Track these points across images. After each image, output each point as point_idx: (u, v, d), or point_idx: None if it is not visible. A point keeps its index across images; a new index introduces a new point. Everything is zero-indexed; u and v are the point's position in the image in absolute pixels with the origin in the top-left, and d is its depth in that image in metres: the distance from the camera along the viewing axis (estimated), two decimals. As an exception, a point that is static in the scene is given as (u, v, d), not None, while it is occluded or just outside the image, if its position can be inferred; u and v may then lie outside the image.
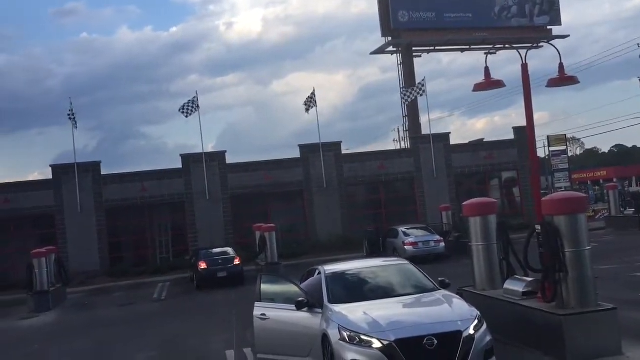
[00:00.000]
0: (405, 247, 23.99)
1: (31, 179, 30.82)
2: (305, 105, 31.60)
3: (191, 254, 26.55)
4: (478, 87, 9.94)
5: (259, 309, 8.87)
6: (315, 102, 31.74)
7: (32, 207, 28.96)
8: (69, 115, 29.70)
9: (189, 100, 30.42)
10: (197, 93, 30.67)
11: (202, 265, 22.98)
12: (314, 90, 31.87)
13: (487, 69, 9.55)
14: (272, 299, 8.88)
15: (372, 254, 25.40)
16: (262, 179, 31.17)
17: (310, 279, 9.46)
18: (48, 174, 30.41)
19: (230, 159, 31.69)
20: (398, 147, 50.53)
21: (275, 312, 8.63)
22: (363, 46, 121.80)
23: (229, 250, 24.64)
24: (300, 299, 8.30)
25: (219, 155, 31.39)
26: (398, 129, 60.40)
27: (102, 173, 30.24)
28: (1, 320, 19.04)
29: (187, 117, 30.20)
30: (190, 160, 30.88)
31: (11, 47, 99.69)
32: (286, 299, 8.61)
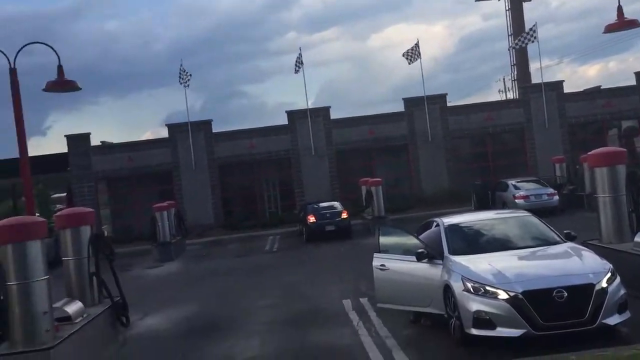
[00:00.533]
0: (516, 200, 23.30)
1: (151, 138, 32.46)
2: (408, 57, 30.99)
3: (299, 208, 27.32)
4: (610, 28, 9.27)
5: (378, 260, 9.07)
6: (419, 54, 31.06)
7: (152, 164, 30.90)
8: (180, 75, 31.02)
9: (297, 57, 30.94)
10: (300, 49, 31.12)
11: (311, 219, 23.62)
12: (417, 42, 31.18)
13: (620, 8, 8.84)
14: (391, 250, 9.04)
15: (481, 207, 24.97)
16: (366, 133, 31.23)
17: (428, 232, 9.51)
18: (159, 134, 32.23)
19: (332, 115, 31.91)
20: (504, 98, 48.61)
21: (395, 263, 8.79)
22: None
23: (337, 204, 25.09)
24: (420, 250, 8.39)
25: (324, 111, 31.71)
26: (504, 79, 57.75)
27: (213, 131, 31.55)
28: (130, 269, 20.68)
29: (296, 72, 30.82)
30: (295, 116, 31.46)
31: (121, 14, 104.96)
32: (405, 250, 8.74)
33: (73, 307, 8.70)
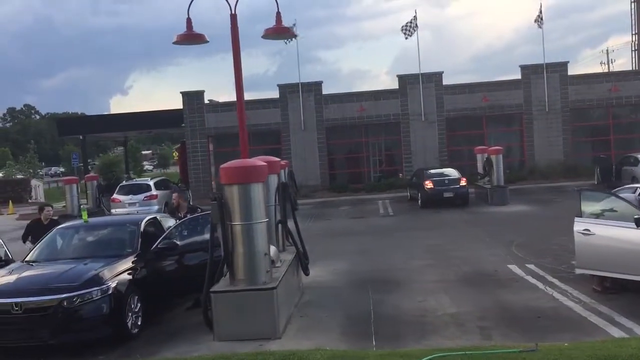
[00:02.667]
0: (653, 175, 22.07)
1: (261, 98, 32.81)
2: (537, 21, 29.65)
3: (412, 174, 27.05)
4: None
5: (580, 225, 8.75)
6: (542, 19, 29.66)
7: (262, 123, 31.36)
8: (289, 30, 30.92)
9: (409, 21, 30.24)
10: (415, 12, 30.42)
11: (429, 185, 23.32)
12: (540, 7, 29.77)
13: None
14: (597, 215, 8.69)
15: (604, 182, 23.90)
16: (479, 100, 30.36)
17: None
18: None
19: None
20: (606, 70, 46.12)
21: (603, 229, 8.45)
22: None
23: (453, 171, 24.63)
24: (637, 216, 8.02)
25: (436, 77, 30.98)
26: (607, 50, 55.68)
27: (323, 93, 31.55)
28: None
29: (406, 38, 30.23)
30: (406, 81, 30.94)
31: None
32: (617, 215, 8.37)
33: (272, 252, 8.90)
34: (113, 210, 23.94)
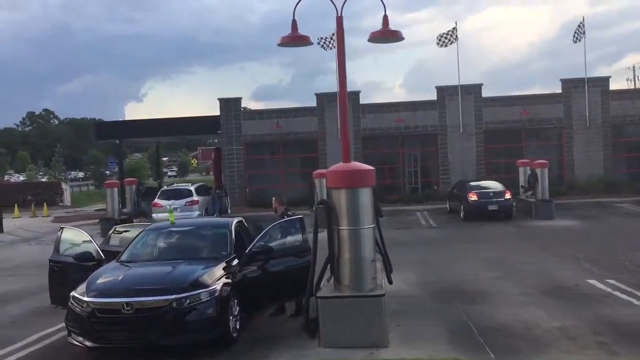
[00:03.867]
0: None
1: (298, 106, 32.82)
2: (575, 36, 29.46)
3: (453, 186, 26.85)
4: None
5: None
6: (584, 33, 29.46)
7: (299, 131, 31.35)
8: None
9: (448, 31, 30.19)
10: (456, 24, 30.35)
11: (473, 197, 23.12)
12: (582, 21, 29.56)
13: None
14: None
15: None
16: (518, 113, 30.16)
17: None
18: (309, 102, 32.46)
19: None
20: (632, 87, 45.79)
21: None
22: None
23: (497, 184, 24.42)
24: None
25: (475, 88, 30.85)
26: (633, 67, 55.86)
27: (360, 102, 31.51)
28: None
29: (441, 47, 30.18)
30: (445, 92, 30.82)
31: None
32: None
33: None
34: (154, 215, 23.96)
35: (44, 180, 50.90)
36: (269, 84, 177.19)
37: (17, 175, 70.57)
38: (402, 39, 9.22)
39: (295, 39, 9.15)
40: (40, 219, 31.39)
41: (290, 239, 9.19)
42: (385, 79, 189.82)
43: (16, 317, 10.43)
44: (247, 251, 8.73)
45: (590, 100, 29.56)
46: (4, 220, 26.49)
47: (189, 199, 24.34)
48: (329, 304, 7.64)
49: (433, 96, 31.09)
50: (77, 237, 9.20)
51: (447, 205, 26.27)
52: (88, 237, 9.05)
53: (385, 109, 31.34)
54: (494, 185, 24.27)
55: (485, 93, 30.91)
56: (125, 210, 26.22)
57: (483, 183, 24.74)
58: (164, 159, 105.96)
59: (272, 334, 8.50)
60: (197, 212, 23.88)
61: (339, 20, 8.69)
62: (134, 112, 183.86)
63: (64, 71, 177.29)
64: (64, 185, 42.94)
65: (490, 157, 30.74)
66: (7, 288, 13.33)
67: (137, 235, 9.39)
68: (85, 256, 8.72)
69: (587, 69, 29.97)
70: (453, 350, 7.37)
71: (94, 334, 7.40)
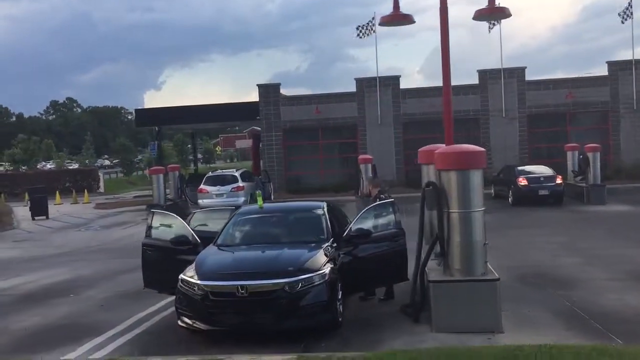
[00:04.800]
0: None
1: (338, 92, 32.52)
2: (622, 15, 28.73)
3: (499, 171, 26.45)
4: None
5: None
6: (632, 13, 28.73)
7: (338, 117, 31.11)
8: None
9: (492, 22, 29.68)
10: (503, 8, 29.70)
11: (523, 182, 22.75)
12: (630, 1, 28.82)
13: None
14: None
15: None
16: (562, 97, 29.59)
17: None
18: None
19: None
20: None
21: None
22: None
23: (547, 169, 23.98)
24: None
25: (518, 71, 30.31)
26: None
27: (400, 87, 31.15)
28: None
29: (490, 30, 29.63)
30: (487, 76, 30.33)
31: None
32: None
33: None
34: (200, 201, 23.94)
35: (73, 167, 51.32)
36: (286, 70, 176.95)
37: (44, 163, 71.46)
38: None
39: (397, 18, 8.92)
40: (82, 206, 31.63)
41: (383, 222, 8.99)
42: (404, 65, 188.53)
43: (103, 301, 10.42)
44: (344, 235, 8.58)
45: (638, 83, 28.89)
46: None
47: (235, 185, 24.26)
48: (441, 288, 7.47)
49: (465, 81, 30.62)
50: (168, 221, 9.11)
51: (492, 191, 25.86)
52: (181, 221, 8.97)
53: (426, 93, 30.90)
54: (544, 170, 23.83)
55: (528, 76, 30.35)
56: (168, 196, 26.25)
57: (532, 168, 24.30)
58: (189, 146, 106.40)
59: (370, 318, 8.36)
60: (242, 199, 23.80)
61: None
62: (152, 100, 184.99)
63: (84, 61, 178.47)
64: (99, 173, 43.23)
65: (534, 141, 30.25)
66: (79, 273, 13.37)
67: (230, 220, 9.28)
68: (182, 239, 8.63)
69: (634, 51, 29.13)
70: (574, 336, 7.17)
71: (207, 317, 7.32)
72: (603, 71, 30.00)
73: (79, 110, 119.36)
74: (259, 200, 9.60)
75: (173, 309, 8.10)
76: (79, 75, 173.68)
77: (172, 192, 26.56)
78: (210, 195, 24.03)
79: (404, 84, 31.34)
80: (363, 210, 8.98)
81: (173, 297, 8.09)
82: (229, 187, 24.16)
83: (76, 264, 14.88)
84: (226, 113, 32.61)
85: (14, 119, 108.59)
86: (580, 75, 30.48)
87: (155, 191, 24.73)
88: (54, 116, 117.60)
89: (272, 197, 27.67)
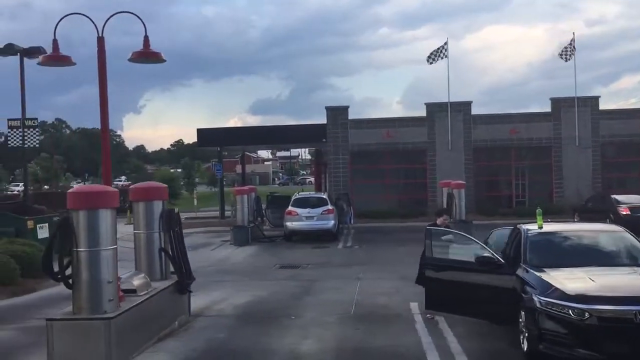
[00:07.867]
0: None
1: (407, 116, 32.21)
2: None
3: (587, 199, 26.11)
4: None
5: None
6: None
7: (407, 141, 30.71)
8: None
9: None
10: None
11: (624, 212, 22.40)
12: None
13: None
14: None
15: None
16: (637, 127, 29.50)
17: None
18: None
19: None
20: None
21: None
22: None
23: (638, 197, 23.71)
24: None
25: (592, 100, 30.25)
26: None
27: (472, 113, 30.89)
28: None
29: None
30: (560, 104, 30.20)
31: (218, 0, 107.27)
32: None
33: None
34: (289, 224, 23.22)
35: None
36: (267, 98, 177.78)
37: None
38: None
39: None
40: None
41: None
42: (384, 95, 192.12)
43: (343, 322, 9.70)
44: None
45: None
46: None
47: (325, 208, 23.60)
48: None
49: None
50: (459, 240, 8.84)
51: (575, 219, 25.46)
52: (476, 241, 8.66)
53: (498, 120, 30.71)
54: (638, 199, 23.54)
55: (484, 110, 30.26)
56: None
57: (624, 197, 23.98)
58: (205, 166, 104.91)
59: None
60: (332, 222, 23.16)
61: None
62: (131, 123, 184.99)
63: (62, 83, 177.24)
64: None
65: (606, 170, 30.04)
66: (255, 294, 12.59)
67: (524, 240, 8.80)
68: (486, 260, 8.21)
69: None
70: None
71: (589, 345, 6.83)
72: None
73: (68, 131, 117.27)
74: (539, 220, 9.15)
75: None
76: (56, 96, 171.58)
77: (248, 213, 25.77)
78: (300, 217, 23.33)
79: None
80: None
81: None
82: (319, 210, 23.49)
83: (226, 284, 14.12)
84: (292, 135, 32.05)
85: (2, 139, 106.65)
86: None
87: (239, 212, 24.03)
88: (42, 137, 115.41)
89: (352, 221, 27.02)
